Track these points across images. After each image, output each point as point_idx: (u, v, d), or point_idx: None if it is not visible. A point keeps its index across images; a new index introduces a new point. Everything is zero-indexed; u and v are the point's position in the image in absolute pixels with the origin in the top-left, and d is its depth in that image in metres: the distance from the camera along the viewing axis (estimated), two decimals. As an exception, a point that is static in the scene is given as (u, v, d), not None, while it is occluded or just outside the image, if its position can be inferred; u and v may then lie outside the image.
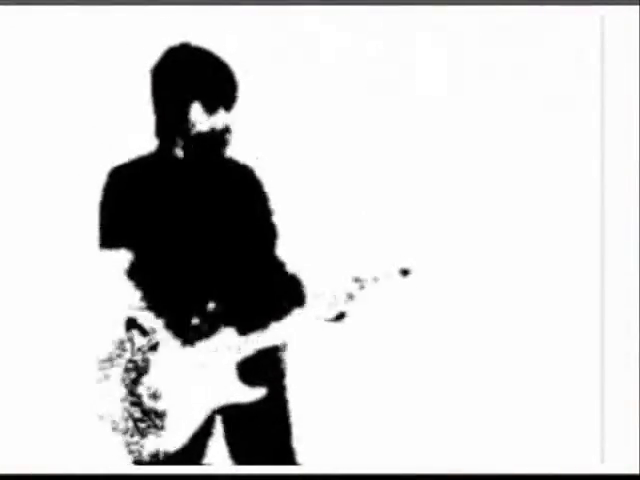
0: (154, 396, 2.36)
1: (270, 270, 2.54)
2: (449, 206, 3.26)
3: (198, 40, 2.58)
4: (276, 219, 2.62)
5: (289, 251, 2.64)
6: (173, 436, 2.37)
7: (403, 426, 3.27)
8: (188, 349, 2.41)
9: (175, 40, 2.58)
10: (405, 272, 2.45)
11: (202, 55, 2.49)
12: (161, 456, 2.36)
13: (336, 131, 3.27)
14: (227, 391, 2.42)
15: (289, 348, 2.59)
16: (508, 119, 3.27)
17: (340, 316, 2.46)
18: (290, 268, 2.59)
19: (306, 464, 2.73)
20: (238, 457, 2.53)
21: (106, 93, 3.14)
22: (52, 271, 3.14)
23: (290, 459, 2.56)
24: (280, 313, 2.46)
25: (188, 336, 2.42)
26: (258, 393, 2.43)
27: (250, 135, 3.16)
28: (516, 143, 3.28)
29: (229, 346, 2.42)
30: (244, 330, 2.45)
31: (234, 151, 2.65)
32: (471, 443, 3.24)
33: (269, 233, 2.58)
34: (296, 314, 2.45)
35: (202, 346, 2.42)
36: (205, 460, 2.50)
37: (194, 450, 2.46)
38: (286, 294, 2.52)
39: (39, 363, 3.14)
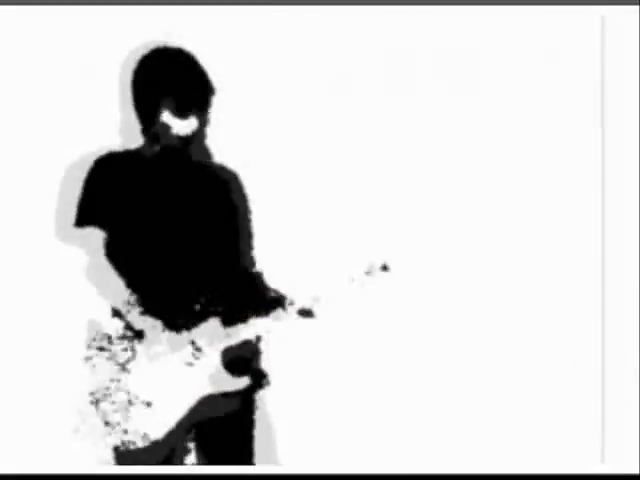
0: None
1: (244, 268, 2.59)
2: (449, 206, 3.26)
3: (194, 41, 2.59)
4: (253, 218, 2.66)
5: (269, 251, 2.67)
6: (158, 423, 2.39)
7: (404, 426, 3.27)
8: (173, 337, 2.43)
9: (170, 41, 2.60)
10: (385, 268, 2.47)
11: (179, 56, 2.53)
12: (140, 442, 2.38)
13: (335, 131, 3.27)
14: (212, 380, 2.44)
15: (277, 345, 2.61)
16: (508, 119, 3.27)
17: (306, 313, 2.48)
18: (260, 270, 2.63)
19: (303, 464, 2.74)
20: (206, 457, 2.55)
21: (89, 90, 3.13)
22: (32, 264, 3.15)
23: (249, 460, 2.58)
24: (261, 308, 2.50)
25: (175, 323, 2.45)
26: (242, 383, 2.45)
27: (247, 136, 3.17)
28: (516, 143, 3.27)
29: (214, 335, 2.45)
30: (228, 321, 2.48)
31: (231, 152, 2.66)
32: (471, 443, 3.24)
33: (242, 233, 2.63)
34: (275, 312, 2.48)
35: (187, 334, 2.45)
36: (187, 461, 2.52)
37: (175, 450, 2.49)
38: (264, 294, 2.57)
39: (33, 359, 3.15)
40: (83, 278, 2.52)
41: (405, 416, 3.27)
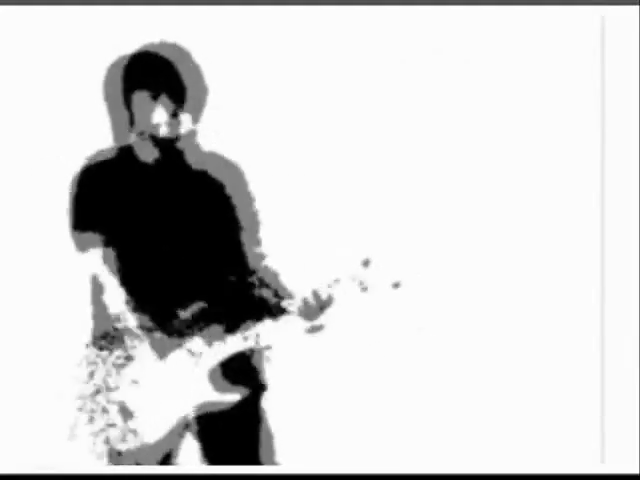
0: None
1: (248, 269, 2.55)
2: (448, 206, 3.26)
3: (195, 41, 2.57)
4: (246, 214, 2.61)
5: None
6: (147, 434, 2.37)
7: (404, 426, 3.27)
8: (166, 342, 2.41)
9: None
10: (366, 263, 2.42)
11: (171, 56, 2.48)
12: (132, 455, 2.36)
13: (335, 131, 3.27)
14: (207, 391, 2.42)
15: (275, 350, 2.58)
16: (508, 119, 3.27)
17: (317, 328, 2.45)
18: (270, 265, 2.59)
19: (303, 464, 2.74)
20: (209, 457, 2.53)
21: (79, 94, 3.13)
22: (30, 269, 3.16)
23: (255, 459, 2.55)
24: (256, 317, 2.47)
25: (172, 329, 2.42)
26: (240, 392, 2.43)
27: (246, 135, 3.17)
28: (516, 143, 3.28)
29: (214, 345, 2.42)
30: (230, 329, 2.45)
31: (229, 152, 2.65)
32: (471, 443, 3.25)
33: (238, 229, 2.58)
34: (271, 322, 2.45)
35: (187, 343, 2.42)
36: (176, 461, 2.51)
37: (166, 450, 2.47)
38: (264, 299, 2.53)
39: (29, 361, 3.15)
40: (84, 279, 2.51)
41: (405, 416, 3.27)
